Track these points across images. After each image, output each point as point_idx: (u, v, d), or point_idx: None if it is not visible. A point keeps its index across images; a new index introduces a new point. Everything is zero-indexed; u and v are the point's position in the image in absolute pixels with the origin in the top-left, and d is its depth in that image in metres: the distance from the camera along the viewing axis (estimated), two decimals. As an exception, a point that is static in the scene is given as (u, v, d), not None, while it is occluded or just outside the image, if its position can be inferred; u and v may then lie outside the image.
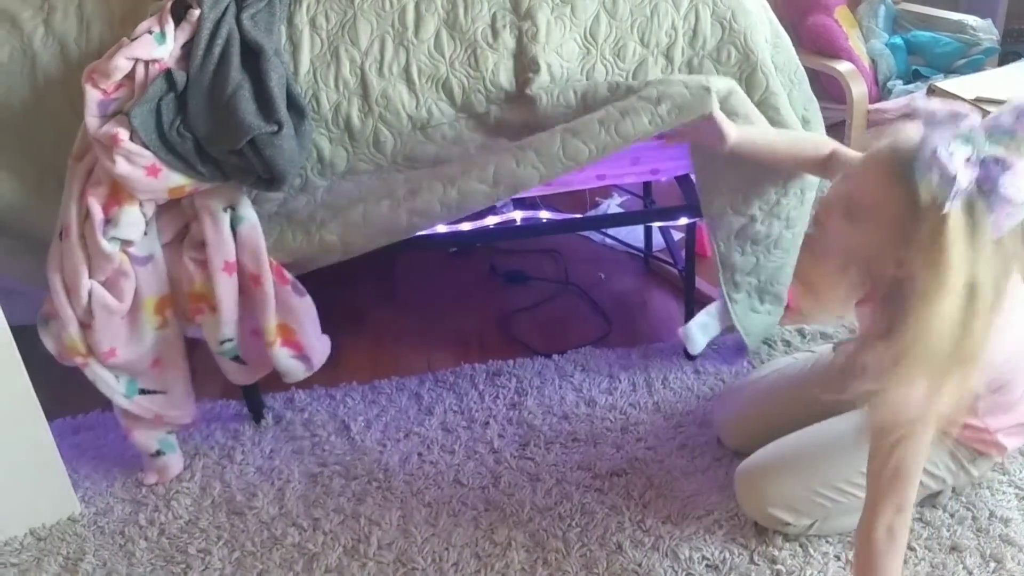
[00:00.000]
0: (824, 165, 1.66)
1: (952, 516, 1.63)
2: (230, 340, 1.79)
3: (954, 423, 1.34)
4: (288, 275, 1.79)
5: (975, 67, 2.58)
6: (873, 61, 2.63)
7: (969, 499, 1.65)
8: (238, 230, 1.73)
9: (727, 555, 1.59)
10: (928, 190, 1.16)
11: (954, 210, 1.16)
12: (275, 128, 1.62)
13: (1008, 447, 1.58)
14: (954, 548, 1.57)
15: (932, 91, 2.44)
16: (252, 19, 1.70)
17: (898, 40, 2.68)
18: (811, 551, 1.59)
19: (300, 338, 1.81)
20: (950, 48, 2.63)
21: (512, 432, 1.91)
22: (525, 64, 1.76)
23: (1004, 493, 1.66)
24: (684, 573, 1.57)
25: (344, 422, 1.98)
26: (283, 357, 1.81)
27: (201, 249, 1.75)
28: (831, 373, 1.71)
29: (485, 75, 1.76)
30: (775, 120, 1.81)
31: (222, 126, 1.62)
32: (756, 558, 1.59)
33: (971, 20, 2.67)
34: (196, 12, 1.68)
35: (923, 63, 2.68)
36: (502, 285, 2.45)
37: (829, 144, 1.67)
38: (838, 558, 1.57)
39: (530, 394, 2.01)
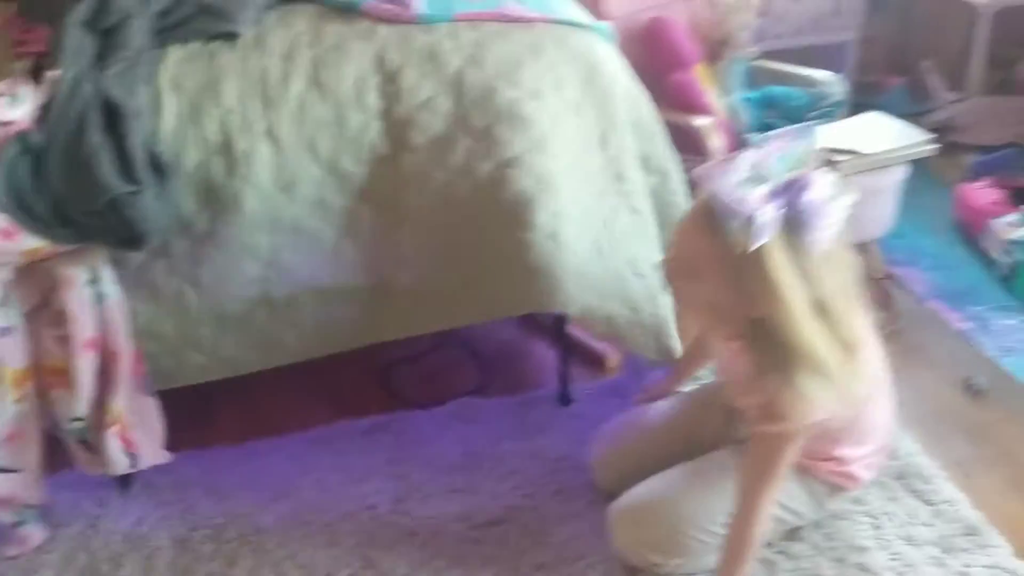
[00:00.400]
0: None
1: (813, 548, 1.69)
2: (80, 420, 1.73)
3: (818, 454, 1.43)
4: (144, 366, 1.76)
5: (826, 119, 2.73)
6: (731, 115, 2.76)
7: (827, 531, 1.72)
8: (102, 306, 1.69)
9: (600, 598, 1.62)
10: (735, 236, 1.25)
11: (768, 244, 1.24)
12: (134, 188, 1.61)
13: (862, 479, 1.66)
14: (815, 578, 1.64)
15: (786, 142, 2.58)
16: (114, 78, 1.70)
17: (754, 95, 2.82)
18: (682, 589, 1.63)
19: (133, 435, 1.75)
20: (802, 102, 2.78)
21: (390, 488, 1.90)
22: (391, 125, 1.79)
23: (860, 523, 1.74)
24: (558, 619, 1.59)
25: (216, 484, 1.94)
26: (112, 447, 1.74)
27: (61, 324, 1.70)
28: (709, 412, 1.78)
29: (352, 135, 1.79)
30: (624, 177, 1.88)
31: (81, 186, 1.60)
32: (628, 600, 1.62)
33: (820, 75, 2.84)
34: (56, 73, 1.66)
35: (777, 116, 2.82)
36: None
37: None
38: (707, 595, 1.62)
39: (408, 447, 2.01)
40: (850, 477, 1.63)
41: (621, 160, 1.88)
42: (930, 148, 2.69)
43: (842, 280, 1.34)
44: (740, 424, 1.72)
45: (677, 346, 1.90)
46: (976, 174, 2.90)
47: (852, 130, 2.58)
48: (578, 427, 2.04)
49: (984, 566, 1.63)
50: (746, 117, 2.76)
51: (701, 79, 2.70)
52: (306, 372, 2.00)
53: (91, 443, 1.76)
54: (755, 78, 2.92)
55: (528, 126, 1.81)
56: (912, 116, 3.17)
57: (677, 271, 1.42)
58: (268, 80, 1.78)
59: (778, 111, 2.84)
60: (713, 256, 1.32)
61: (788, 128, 1.31)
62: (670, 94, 2.64)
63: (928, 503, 1.77)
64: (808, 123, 1.34)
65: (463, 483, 1.90)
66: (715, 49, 2.93)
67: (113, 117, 1.66)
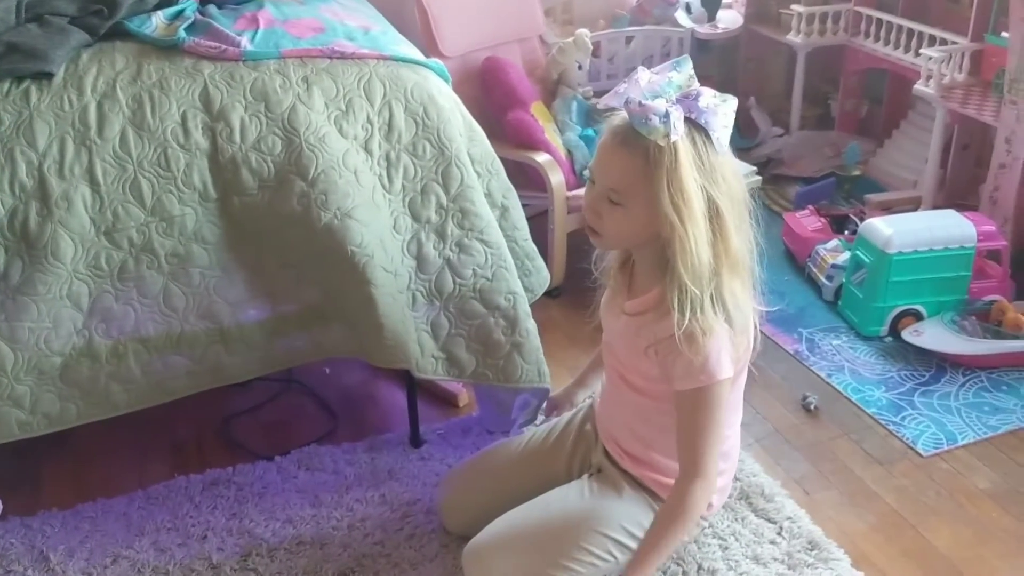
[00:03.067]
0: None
1: (664, 573, 1.71)
2: None
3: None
4: None
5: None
6: (569, 152, 2.81)
7: (679, 553, 1.73)
8: None
9: (458, 643, 1.58)
10: (653, 134, 1.37)
11: (680, 141, 1.37)
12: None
13: (716, 506, 1.69)
14: (668, 603, 1.65)
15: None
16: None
17: (590, 132, 2.89)
18: (537, 626, 1.60)
19: None
20: (637, 137, 2.87)
21: (232, 543, 1.81)
22: (219, 166, 1.73)
23: (709, 545, 1.76)
24: (414, 667, 1.54)
25: (43, 552, 1.80)
26: None
27: None
28: (559, 447, 1.79)
29: (177, 176, 1.72)
30: (469, 211, 1.88)
31: None
32: (485, 642, 1.58)
33: (654, 112, 2.93)
34: None
35: (615, 152, 2.90)
36: (221, 387, 2.34)
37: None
38: (565, 630, 1.60)
39: (251, 501, 1.92)
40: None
41: (466, 196, 1.87)
42: (756, 180, 2.83)
43: (737, 189, 1.45)
44: (595, 451, 1.73)
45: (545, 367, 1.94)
46: (800, 204, 3.06)
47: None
48: (429, 469, 2.01)
49: (826, 579, 1.69)
50: (584, 154, 2.82)
51: (538, 116, 2.74)
52: (140, 425, 1.89)
53: None
54: (591, 115, 2.98)
55: (361, 174, 1.79)
56: (740, 151, 3.34)
57: (603, 202, 1.47)
58: (86, 120, 1.69)
59: (615, 147, 2.91)
60: (631, 166, 1.41)
61: (665, 62, 1.50)
62: (509, 132, 2.67)
63: (771, 521, 1.82)
64: (683, 55, 1.50)
65: (310, 535, 1.83)
66: (550, 88, 2.99)
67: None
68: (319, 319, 1.86)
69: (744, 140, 3.53)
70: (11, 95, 1.71)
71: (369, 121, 1.83)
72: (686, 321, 1.44)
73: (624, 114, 1.45)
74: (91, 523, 1.88)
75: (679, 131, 1.38)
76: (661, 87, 1.46)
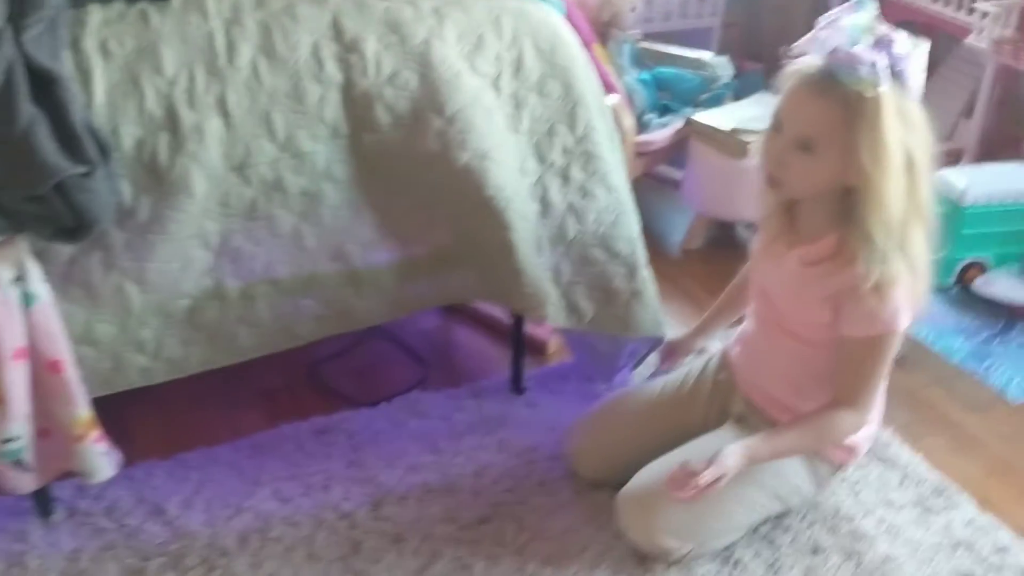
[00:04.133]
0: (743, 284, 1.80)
1: (804, 519, 1.72)
2: (16, 439, 1.49)
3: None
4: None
5: (717, 101, 2.80)
6: (628, 95, 2.76)
7: (811, 502, 1.75)
8: (30, 310, 1.45)
9: (615, 589, 1.57)
10: (861, 85, 1.35)
11: (885, 91, 1.35)
12: (85, 169, 1.38)
13: (860, 452, 1.70)
14: (815, 550, 1.66)
15: (689, 123, 2.62)
16: (33, 41, 1.44)
17: (646, 76, 2.85)
18: (695, 572, 1.60)
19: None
20: (693, 83, 2.84)
21: (358, 492, 1.75)
22: (352, 100, 1.64)
23: (840, 493, 1.78)
24: (579, 615, 1.52)
25: (156, 505, 1.72)
26: (95, 454, 1.55)
27: (-23, 334, 1.44)
28: (696, 393, 1.77)
29: (310, 109, 1.62)
30: (593, 154, 1.83)
31: (18, 168, 1.35)
32: (644, 587, 1.58)
33: (708, 57, 2.90)
34: (-37, 33, 1.38)
35: (669, 98, 2.86)
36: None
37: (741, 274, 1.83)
38: (719, 575, 1.60)
39: (366, 448, 1.86)
40: (852, 451, 1.66)
41: (591, 137, 1.82)
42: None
43: (929, 137, 1.43)
44: (734, 400, 1.72)
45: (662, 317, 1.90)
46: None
47: (749, 111, 2.65)
48: (538, 416, 1.98)
49: (962, 523, 1.72)
50: (641, 98, 2.77)
51: (601, 59, 2.68)
52: (224, 373, 1.80)
53: (27, 463, 1.51)
54: (641, 59, 2.94)
55: (493, 113, 1.72)
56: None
57: (793, 150, 1.43)
58: (214, 47, 1.58)
59: (670, 92, 2.88)
60: (832, 118, 1.38)
61: (844, 4, 1.48)
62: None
63: (894, 467, 1.85)
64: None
65: (437, 482, 1.78)
66: (602, 30, 2.93)
67: (40, 87, 1.41)
68: (448, 263, 1.79)
69: (771, 88, 3.51)
70: (127, 17, 1.58)
71: (498, 58, 1.75)
72: (874, 272, 1.42)
73: (813, 60, 1.42)
74: (199, 473, 1.80)
75: (886, 81, 1.35)
76: (851, 32, 1.42)
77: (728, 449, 1.50)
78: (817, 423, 1.54)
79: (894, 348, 1.51)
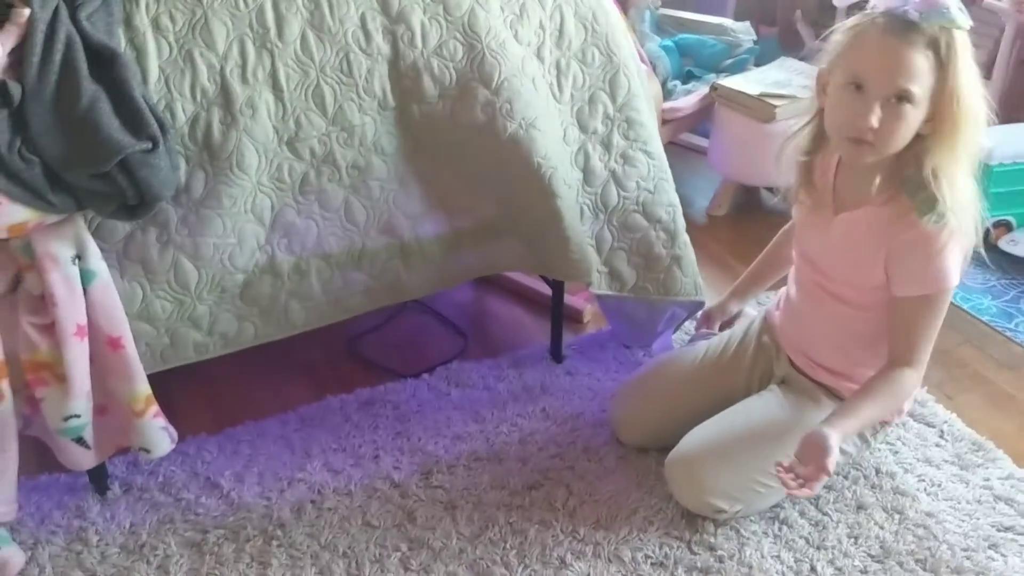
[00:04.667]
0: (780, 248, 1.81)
1: (847, 478, 1.75)
2: (76, 416, 1.50)
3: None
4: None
5: (740, 66, 2.80)
6: (652, 63, 2.77)
7: (854, 461, 1.78)
8: (89, 288, 1.46)
9: (667, 550, 1.60)
10: (950, 23, 1.35)
11: (963, 31, 1.36)
12: (149, 145, 1.39)
13: (905, 410, 1.72)
14: (860, 507, 1.69)
15: (715, 89, 2.63)
16: (89, 20, 1.44)
17: (669, 43, 2.85)
18: (743, 532, 1.63)
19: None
20: (717, 49, 2.84)
21: (408, 462, 1.78)
22: (400, 73, 1.64)
23: (880, 450, 1.82)
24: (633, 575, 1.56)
25: (210, 479, 1.74)
26: (154, 429, 1.57)
27: (41, 312, 1.46)
28: (738, 359, 1.79)
29: (359, 82, 1.63)
30: (634, 121, 1.84)
31: (82, 146, 1.36)
32: (695, 548, 1.61)
33: (730, 23, 2.91)
34: (25, 12, 1.38)
35: (692, 64, 2.87)
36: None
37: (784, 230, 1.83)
38: (767, 534, 1.64)
39: (412, 419, 1.89)
40: (899, 411, 1.69)
41: (632, 104, 1.83)
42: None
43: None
44: (778, 363, 1.75)
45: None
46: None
47: (774, 76, 2.66)
48: (580, 383, 2.00)
49: (1000, 478, 1.76)
50: (664, 65, 2.78)
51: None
52: (264, 347, 1.82)
53: (88, 440, 1.53)
54: (662, 26, 2.94)
55: (537, 82, 1.73)
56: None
57: (900, 105, 1.39)
58: (264, 21, 1.58)
59: (693, 59, 2.88)
60: (927, 65, 1.37)
61: None
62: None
63: (930, 425, 1.88)
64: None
65: (484, 450, 1.81)
66: (622, -2, 2.93)
67: (98, 64, 1.42)
68: (494, 233, 1.81)
69: (787, 53, 3.51)
70: (175, -7, 1.59)
71: (541, 26, 1.76)
72: (934, 229, 1.44)
73: (878, 9, 1.40)
74: (249, 447, 1.82)
75: (967, 20, 1.36)
76: None
77: (823, 437, 1.45)
78: (888, 388, 1.55)
79: (945, 306, 1.53)
